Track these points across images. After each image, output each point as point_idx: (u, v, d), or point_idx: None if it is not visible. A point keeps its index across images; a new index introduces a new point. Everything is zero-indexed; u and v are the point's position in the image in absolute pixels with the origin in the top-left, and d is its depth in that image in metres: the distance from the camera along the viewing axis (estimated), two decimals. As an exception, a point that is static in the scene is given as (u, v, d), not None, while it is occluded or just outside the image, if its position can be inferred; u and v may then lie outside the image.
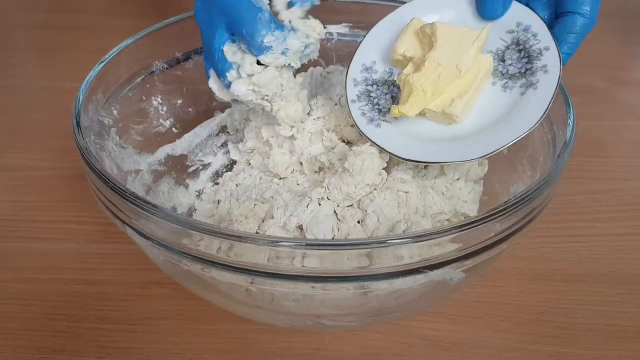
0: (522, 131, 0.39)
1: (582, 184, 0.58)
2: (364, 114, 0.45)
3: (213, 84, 0.44)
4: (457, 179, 0.48)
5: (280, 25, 0.41)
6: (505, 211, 0.34)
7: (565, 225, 0.54)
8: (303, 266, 0.33)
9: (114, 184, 0.36)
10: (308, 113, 0.48)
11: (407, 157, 0.42)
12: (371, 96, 0.46)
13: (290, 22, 0.42)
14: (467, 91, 0.41)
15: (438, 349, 0.44)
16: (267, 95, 0.44)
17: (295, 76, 0.45)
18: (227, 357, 0.43)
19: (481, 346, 0.44)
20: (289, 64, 0.43)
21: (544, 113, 0.39)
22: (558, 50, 0.40)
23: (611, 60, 0.80)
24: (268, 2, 0.42)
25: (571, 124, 0.40)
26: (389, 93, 0.46)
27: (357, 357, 0.43)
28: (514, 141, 0.39)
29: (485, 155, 0.39)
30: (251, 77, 0.42)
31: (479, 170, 0.49)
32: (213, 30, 0.41)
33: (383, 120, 0.44)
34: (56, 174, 0.59)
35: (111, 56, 0.47)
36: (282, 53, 0.41)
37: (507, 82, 0.42)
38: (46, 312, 0.46)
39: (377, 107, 0.45)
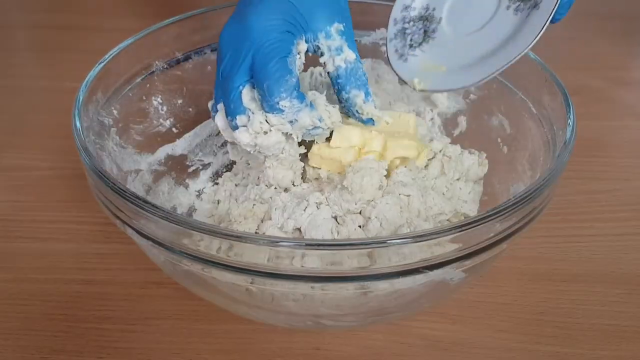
0: (517, 53, 0.41)
1: (582, 184, 0.58)
2: (397, 50, 0.49)
3: (219, 120, 0.43)
4: (457, 179, 0.48)
5: (301, 96, 0.40)
6: (505, 211, 0.34)
7: (565, 225, 0.54)
8: (303, 266, 0.33)
9: (114, 184, 0.36)
10: (293, 183, 0.48)
11: (428, 89, 0.46)
12: (406, 33, 0.49)
13: (314, 99, 0.42)
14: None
15: (438, 349, 0.44)
16: (264, 154, 0.44)
17: (300, 145, 0.45)
18: (227, 357, 0.43)
19: (481, 346, 0.44)
20: (291, 134, 0.42)
21: (540, 32, 0.40)
22: None
23: (611, 60, 0.80)
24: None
25: (571, 124, 0.40)
26: (422, 28, 0.48)
27: (357, 357, 0.43)
28: (509, 64, 0.41)
29: (487, 77, 0.43)
30: (257, 134, 0.41)
31: (479, 170, 0.49)
32: (237, 64, 0.40)
33: (411, 55, 0.48)
34: (56, 174, 0.59)
35: (111, 56, 0.46)
36: (290, 122, 0.41)
37: (519, 5, 0.43)
38: (46, 312, 0.46)
39: (409, 42, 0.48)
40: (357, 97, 0.45)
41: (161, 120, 0.53)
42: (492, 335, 0.45)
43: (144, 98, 0.51)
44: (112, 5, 0.93)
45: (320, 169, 0.46)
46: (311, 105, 0.41)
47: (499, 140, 0.51)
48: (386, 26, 0.51)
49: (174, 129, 0.54)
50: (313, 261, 0.33)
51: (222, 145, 0.56)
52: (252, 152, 0.43)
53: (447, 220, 0.45)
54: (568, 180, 0.56)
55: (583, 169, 0.60)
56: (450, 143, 0.51)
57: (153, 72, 0.51)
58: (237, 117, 0.41)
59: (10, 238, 0.53)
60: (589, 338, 0.44)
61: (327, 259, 0.33)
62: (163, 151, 0.52)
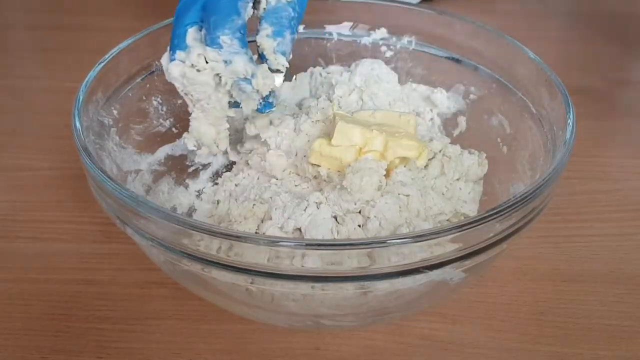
0: None
1: (582, 184, 0.58)
2: None
3: (165, 58, 0.43)
4: (457, 179, 0.48)
5: (243, 41, 0.41)
6: (505, 211, 0.34)
7: (565, 225, 0.54)
8: (303, 266, 0.33)
9: (114, 184, 0.36)
10: (239, 144, 0.48)
11: None
12: None
13: (258, 52, 0.42)
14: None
15: (438, 349, 0.44)
16: (191, 95, 0.43)
17: (231, 107, 0.44)
18: (227, 357, 0.43)
19: (481, 346, 0.44)
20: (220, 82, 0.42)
21: None
22: None
23: (611, 60, 0.80)
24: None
25: (571, 124, 0.40)
26: None
27: (357, 357, 0.43)
28: None
29: None
30: (190, 68, 0.41)
31: (478, 170, 0.49)
32: (192, 4, 0.41)
33: None
34: (56, 174, 0.59)
35: (111, 56, 0.47)
36: (225, 61, 0.41)
37: None
38: (46, 312, 0.46)
39: None
40: (265, 30, 0.42)
41: (161, 120, 0.53)
42: (492, 335, 0.45)
43: (144, 98, 0.51)
44: (112, 5, 0.93)
45: (319, 166, 0.46)
46: (251, 59, 0.41)
47: (499, 140, 0.51)
48: (387, 26, 0.51)
49: (174, 129, 0.54)
50: (313, 261, 0.33)
51: (222, 145, 0.56)
52: (181, 91, 0.43)
53: (447, 220, 0.45)
54: (568, 180, 0.56)
55: (583, 169, 0.59)
56: (450, 143, 0.51)
57: (153, 72, 0.51)
58: (177, 52, 0.42)
59: (10, 238, 0.53)
60: (589, 338, 0.44)
61: (327, 258, 0.33)
62: (163, 151, 0.52)
